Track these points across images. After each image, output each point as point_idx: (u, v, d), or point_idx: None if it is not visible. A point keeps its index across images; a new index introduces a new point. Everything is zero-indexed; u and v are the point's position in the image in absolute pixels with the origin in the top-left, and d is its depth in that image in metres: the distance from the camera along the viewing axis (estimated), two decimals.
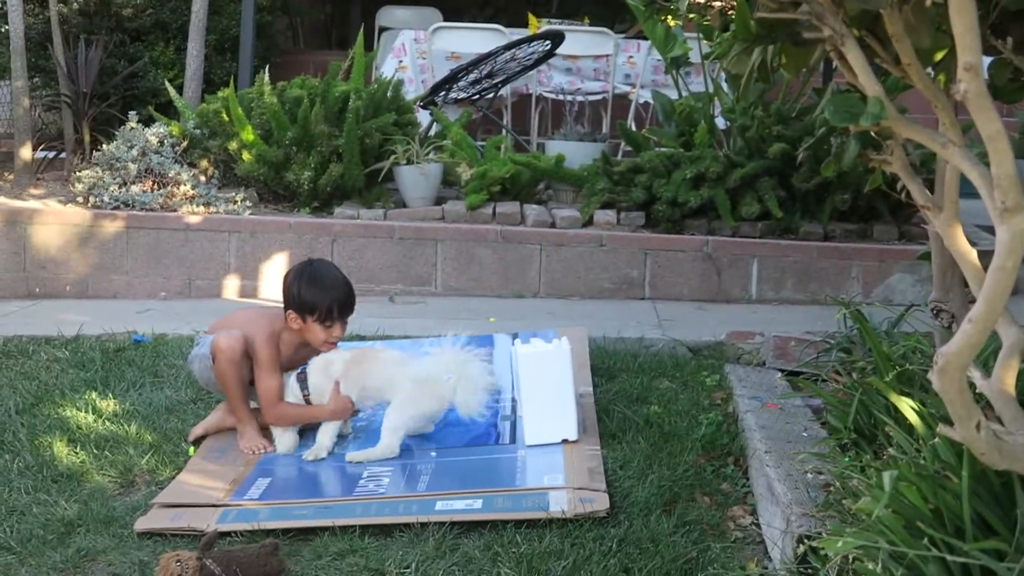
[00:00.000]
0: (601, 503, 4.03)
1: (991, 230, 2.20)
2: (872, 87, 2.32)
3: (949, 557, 2.56)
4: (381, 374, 4.82)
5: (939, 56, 2.60)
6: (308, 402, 4.88)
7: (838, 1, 2.31)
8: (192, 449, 4.80)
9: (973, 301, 2.32)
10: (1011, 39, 2.84)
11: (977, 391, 2.43)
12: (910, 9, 2.38)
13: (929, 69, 2.64)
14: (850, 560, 2.87)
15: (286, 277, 4.99)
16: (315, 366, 4.90)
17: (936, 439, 2.91)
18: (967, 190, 2.58)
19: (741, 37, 2.59)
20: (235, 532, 4.00)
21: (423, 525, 3.96)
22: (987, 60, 2.75)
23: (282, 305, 4.97)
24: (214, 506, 4.23)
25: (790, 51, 2.64)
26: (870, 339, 4.35)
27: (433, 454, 4.72)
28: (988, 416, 2.41)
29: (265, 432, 4.96)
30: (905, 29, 2.37)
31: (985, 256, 2.32)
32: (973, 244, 2.50)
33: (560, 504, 4.03)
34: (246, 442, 4.89)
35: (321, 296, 4.85)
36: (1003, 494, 2.74)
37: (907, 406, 3.23)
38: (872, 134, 2.63)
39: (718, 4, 4.19)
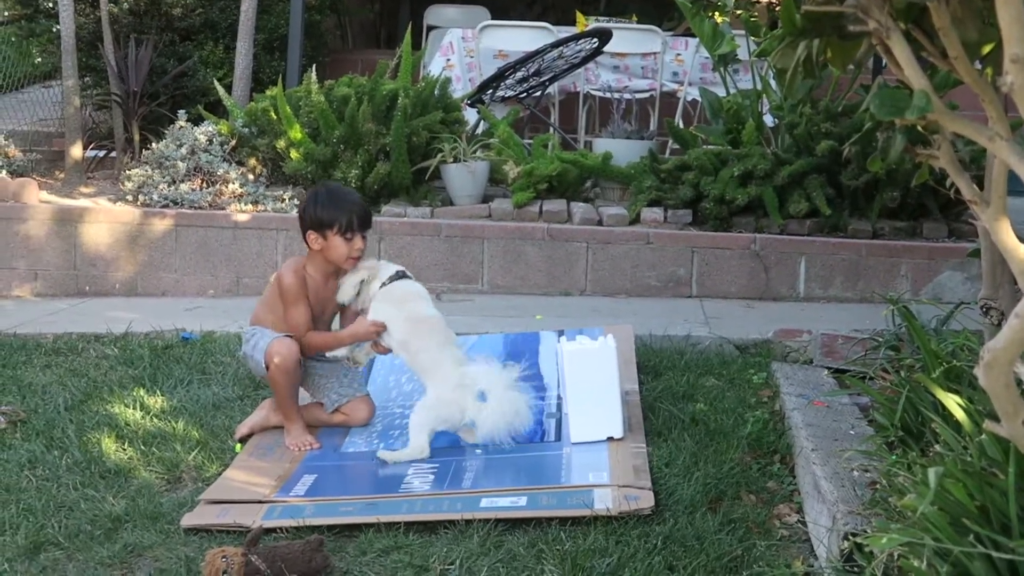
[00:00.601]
0: (646, 501, 4.01)
1: None
2: (918, 80, 2.30)
3: (995, 554, 2.54)
4: (421, 343, 4.83)
5: (987, 49, 2.57)
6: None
7: None
8: (239, 446, 4.82)
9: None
10: None
11: None
12: (957, 2, 2.36)
13: (976, 63, 2.62)
14: (895, 557, 2.85)
15: (300, 205, 5.08)
16: (382, 295, 4.93)
17: (983, 436, 2.88)
18: (1016, 188, 2.55)
19: (787, 31, 2.57)
20: (280, 528, 4.02)
21: (468, 522, 3.96)
22: None
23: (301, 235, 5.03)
24: (260, 502, 4.24)
25: (835, 45, 2.62)
26: (918, 336, 4.31)
27: (478, 451, 4.71)
28: None
29: (311, 429, 4.97)
30: (952, 22, 2.35)
31: None
32: (1022, 241, 2.47)
33: (605, 502, 4.02)
34: (292, 439, 4.91)
35: (339, 210, 4.89)
36: None
37: (954, 403, 3.20)
38: (919, 129, 2.61)
39: (765, 0, 4.17)
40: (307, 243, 4.97)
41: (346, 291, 4.93)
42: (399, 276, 4.92)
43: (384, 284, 4.90)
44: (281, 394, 4.92)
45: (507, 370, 4.67)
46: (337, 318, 5.21)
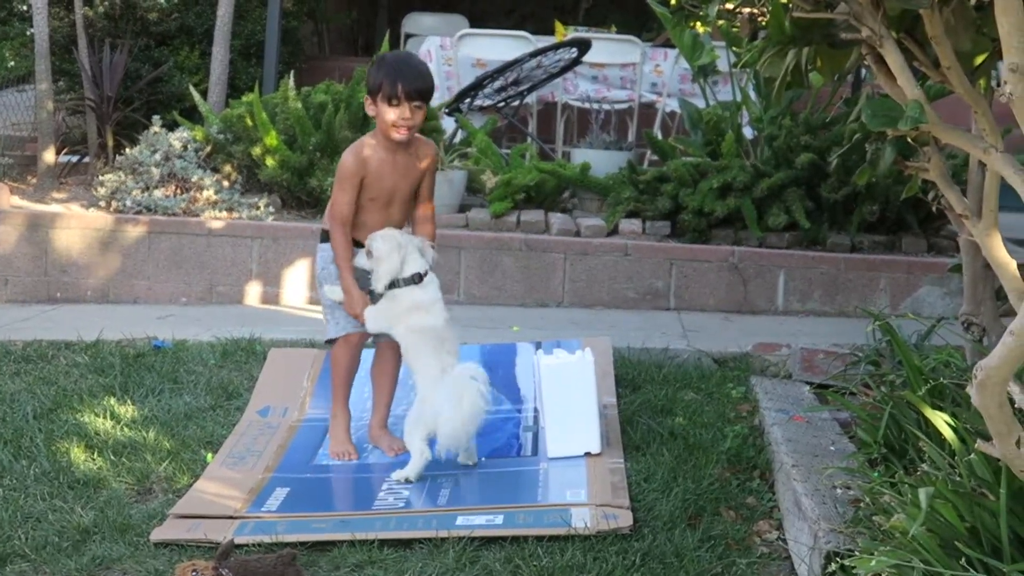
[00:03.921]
0: (625, 520, 3.96)
1: None
2: (911, 90, 2.25)
3: None
4: (417, 349, 4.66)
5: (979, 60, 2.53)
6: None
7: (877, 1, 2.24)
8: (210, 455, 4.74)
9: (1005, 314, 2.24)
10: None
11: (1016, 406, 2.35)
12: (951, 10, 2.31)
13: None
14: None
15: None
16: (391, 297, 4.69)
17: (971, 455, 2.83)
18: (1006, 203, 2.51)
19: (775, 39, 2.52)
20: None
21: (443, 537, 3.90)
22: None
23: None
24: (231, 518, 4.16)
25: (825, 53, 2.57)
26: (901, 352, 4.27)
27: (456, 467, 4.64)
28: None
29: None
30: (945, 31, 2.30)
31: (1021, 269, 2.24)
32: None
33: (583, 519, 3.96)
34: (335, 447, 4.88)
35: (385, 72, 4.69)
36: None
37: (942, 421, 3.15)
38: (908, 140, 2.56)
39: (747, 10, 4.11)
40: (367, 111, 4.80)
41: (387, 276, 4.64)
42: (414, 280, 4.67)
43: (399, 284, 4.67)
44: (335, 386, 4.94)
45: (468, 370, 4.55)
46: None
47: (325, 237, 4.90)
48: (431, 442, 4.54)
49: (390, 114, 4.66)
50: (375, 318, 4.71)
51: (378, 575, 3.71)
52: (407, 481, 4.48)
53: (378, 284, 4.66)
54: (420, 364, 4.63)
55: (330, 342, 4.91)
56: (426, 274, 4.68)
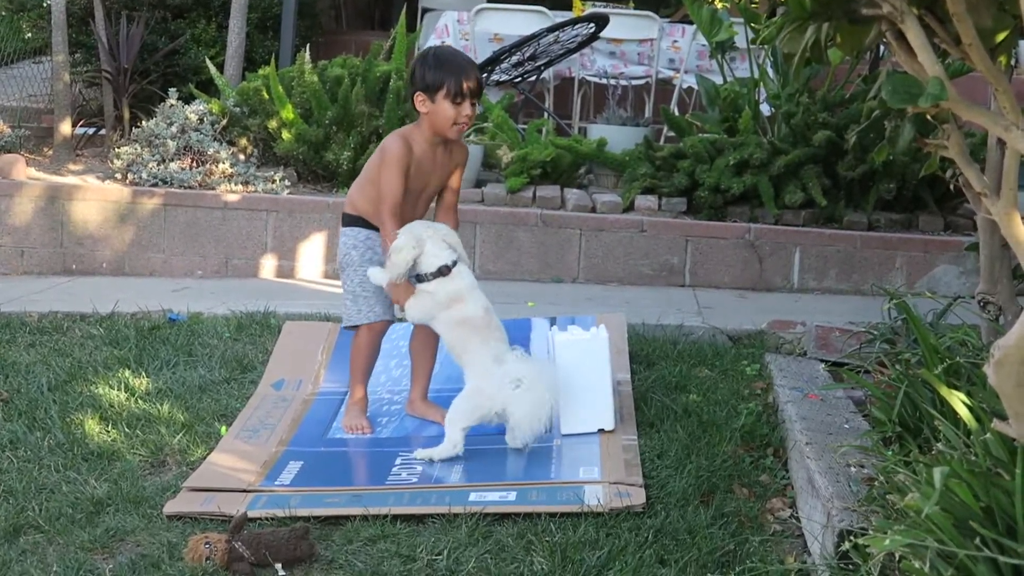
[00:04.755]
0: (637, 498, 3.95)
1: None
2: (932, 66, 2.23)
3: (1001, 558, 2.47)
4: (464, 342, 4.60)
5: (1001, 37, 2.50)
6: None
7: None
8: (224, 428, 4.75)
9: (1022, 293, 2.23)
10: None
11: None
12: None
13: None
14: (896, 558, 2.79)
15: (412, 63, 4.80)
16: (427, 292, 4.60)
17: (987, 435, 2.81)
18: None
19: (795, 14, 2.50)
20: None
21: (456, 512, 3.90)
22: None
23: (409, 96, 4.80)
24: (245, 491, 4.17)
25: (845, 29, 2.55)
26: (918, 330, 4.24)
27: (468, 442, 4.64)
28: None
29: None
30: (967, 8, 2.28)
31: None
32: None
33: (596, 496, 3.96)
34: (348, 420, 4.88)
35: (449, 72, 4.61)
36: None
37: (957, 400, 3.13)
38: (927, 118, 2.54)
39: None
40: (414, 106, 4.71)
41: (397, 269, 4.53)
42: (441, 273, 4.57)
43: (427, 278, 4.59)
44: (354, 366, 4.93)
45: (544, 364, 4.53)
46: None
47: (347, 221, 4.88)
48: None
49: (451, 111, 4.61)
50: (414, 309, 4.64)
51: (391, 549, 3.70)
52: (430, 460, 4.45)
53: (391, 274, 4.57)
54: (469, 357, 4.58)
55: (350, 327, 4.90)
56: (455, 264, 4.60)
